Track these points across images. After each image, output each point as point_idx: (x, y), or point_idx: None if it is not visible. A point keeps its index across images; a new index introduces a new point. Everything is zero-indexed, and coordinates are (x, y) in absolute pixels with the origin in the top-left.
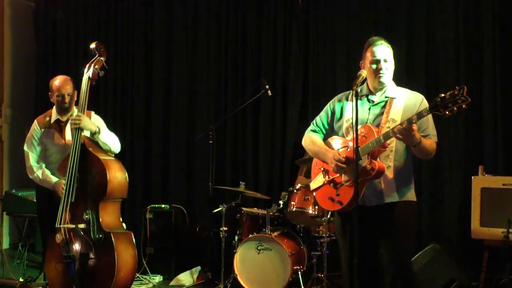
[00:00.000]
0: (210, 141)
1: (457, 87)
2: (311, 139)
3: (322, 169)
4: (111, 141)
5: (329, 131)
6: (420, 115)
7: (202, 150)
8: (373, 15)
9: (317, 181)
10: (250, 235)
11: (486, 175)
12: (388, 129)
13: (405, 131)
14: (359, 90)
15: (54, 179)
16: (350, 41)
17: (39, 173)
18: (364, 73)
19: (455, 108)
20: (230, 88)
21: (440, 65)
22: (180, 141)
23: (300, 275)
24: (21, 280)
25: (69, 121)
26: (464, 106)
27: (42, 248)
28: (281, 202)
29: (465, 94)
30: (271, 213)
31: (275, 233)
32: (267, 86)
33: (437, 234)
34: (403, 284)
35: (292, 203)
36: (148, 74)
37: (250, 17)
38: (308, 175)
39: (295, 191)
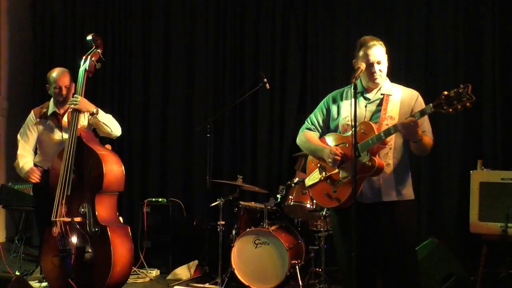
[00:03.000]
0: (208, 135)
1: (461, 85)
2: (306, 137)
3: (318, 165)
4: (110, 122)
5: (324, 129)
6: (423, 112)
7: (200, 143)
8: (372, 9)
9: (313, 177)
10: (248, 229)
11: (484, 169)
12: (387, 126)
13: (410, 127)
14: (351, 89)
15: (27, 167)
16: (349, 35)
17: (22, 160)
18: (363, 65)
19: (459, 106)
20: (228, 81)
21: (439, 57)
22: (178, 135)
23: (298, 269)
24: (17, 273)
25: (68, 103)
26: (468, 104)
27: (38, 241)
28: (279, 196)
29: (470, 92)
30: (269, 207)
31: (273, 227)
32: (265, 79)
33: (435, 228)
34: (409, 283)
35: (290, 197)
36: (146, 67)
37: (249, 10)
38: (305, 170)
39: (293, 185)
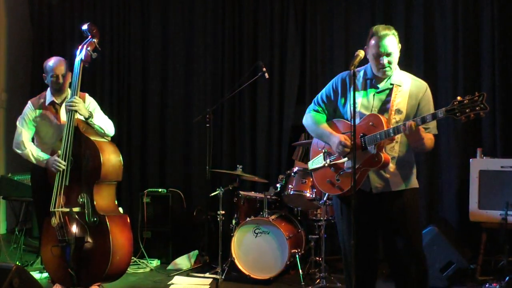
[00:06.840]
0: (207, 125)
1: (476, 93)
2: (313, 119)
3: (324, 150)
4: (104, 124)
5: (332, 112)
6: (435, 116)
7: (199, 133)
8: None
9: (317, 161)
10: (248, 219)
11: (484, 157)
12: (396, 123)
13: (415, 132)
14: (362, 73)
15: (45, 156)
16: (348, 22)
17: (32, 149)
18: (361, 53)
19: (472, 115)
20: (227, 71)
21: (438, 46)
22: (177, 125)
23: (298, 258)
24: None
25: (65, 103)
26: (482, 113)
27: (38, 232)
28: (278, 185)
29: (484, 102)
30: (268, 197)
31: (273, 217)
32: (264, 69)
33: (435, 217)
34: (418, 269)
35: (290, 186)
36: (145, 58)
37: None
38: (304, 159)
39: (292, 174)
